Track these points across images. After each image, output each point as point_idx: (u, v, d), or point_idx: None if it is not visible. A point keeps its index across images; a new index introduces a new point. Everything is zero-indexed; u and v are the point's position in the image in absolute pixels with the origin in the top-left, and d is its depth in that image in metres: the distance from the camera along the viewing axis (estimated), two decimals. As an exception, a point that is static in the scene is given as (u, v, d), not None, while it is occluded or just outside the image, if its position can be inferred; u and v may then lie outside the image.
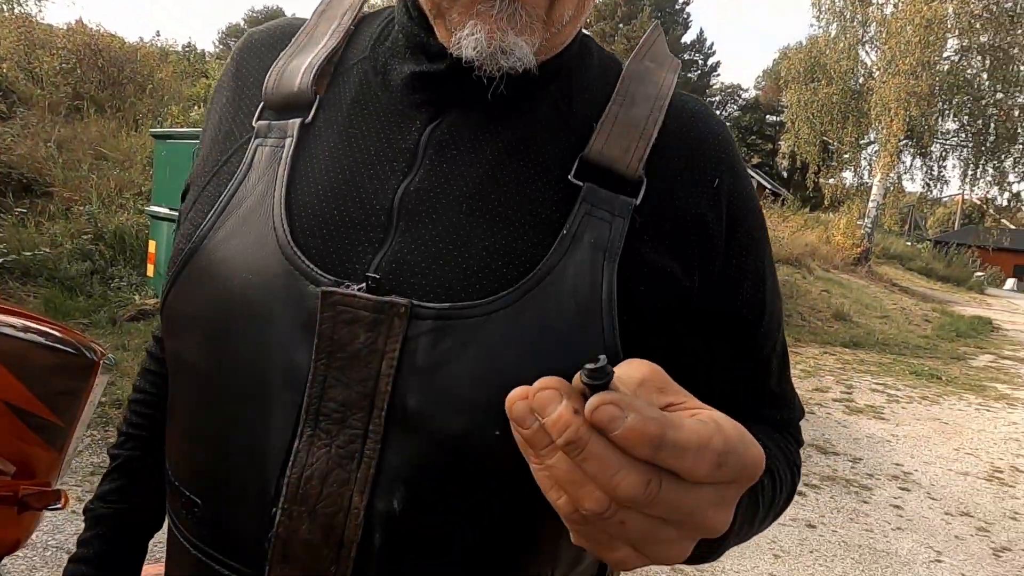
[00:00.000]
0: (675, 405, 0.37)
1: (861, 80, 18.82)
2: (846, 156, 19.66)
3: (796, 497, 3.88)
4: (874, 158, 18.79)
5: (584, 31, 0.60)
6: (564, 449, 0.33)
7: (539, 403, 0.33)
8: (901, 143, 17.84)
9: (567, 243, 0.50)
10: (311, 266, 0.49)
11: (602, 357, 0.33)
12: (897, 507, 3.94)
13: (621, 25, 34.53)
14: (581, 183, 0.52)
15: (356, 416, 0.47)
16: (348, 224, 0.51)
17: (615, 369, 0.36)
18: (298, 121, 0.55)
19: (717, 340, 0.57)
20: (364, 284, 0.48)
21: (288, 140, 0.55)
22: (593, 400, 0.32)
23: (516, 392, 0.35)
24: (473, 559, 0.50)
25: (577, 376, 0.34)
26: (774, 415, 0.62)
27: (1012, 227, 35.52)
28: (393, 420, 0.47)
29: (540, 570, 0.53)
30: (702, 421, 0.34)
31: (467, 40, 0.49)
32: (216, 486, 0.52)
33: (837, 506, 3.84)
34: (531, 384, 0.47)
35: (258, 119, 0.58)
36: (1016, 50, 17.25)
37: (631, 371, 0.37)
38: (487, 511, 0.49)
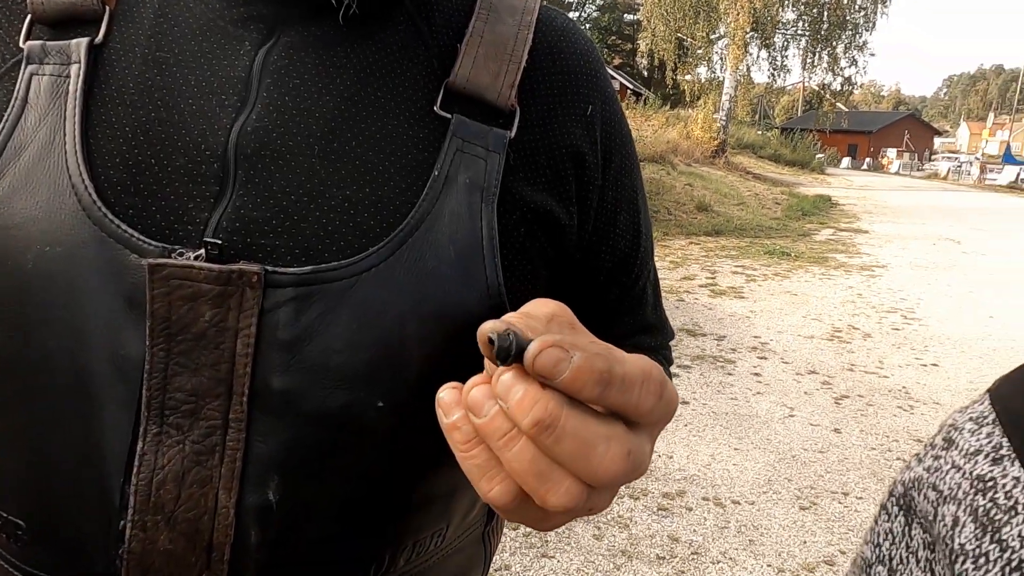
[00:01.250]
0: None
1: (709, -26, 19.24)
2: (699, 52, 20.35)
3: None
4: (725, 52, 19.59)
5: None
6: (532, 432, 0.28)
7: (502, 387, 0.28)
8: (748, 35, 18.66)
9: (440, 185, 0.45)
10: (129, 231, 0.41)
11: (492, 332, 0.29)
12: (757, 374, 4.38)
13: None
14: (449, 115, 0.46)
15: (212, 405, 0.41)
16: (171, 175, 0.42)
17: (524, 308, 0.32)
18: (85, 41, 0.44)
19: (596, 273, 0.55)
20: (203, 251, 0.41)
21: (75, 67, 0.44)
22: (534, 346, 0.28)
23: (475, 379, 0.31)
24: (363, 534, 0.46)
25: (486, 358, 0.30)
26: (650, 342, 0.62)
27: (846, 109, 38.84)
28: (257, 404, 0.42)
29: (435, 528, 0.51)
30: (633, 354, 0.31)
31: None
32: (41, 502, 0.44)
33: (706, 381, 4.22)
34: (416, 344, 0.43)
35: (26, 38, 0.45)
36: (844, -62, 18.22)
37: (538, 309, 0.33)
38: (373, 485, 0.46)
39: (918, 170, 37.03)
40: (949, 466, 0.37)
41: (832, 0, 19.01)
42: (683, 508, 2.80)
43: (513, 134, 0.48)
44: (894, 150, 42.05)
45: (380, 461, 0.45)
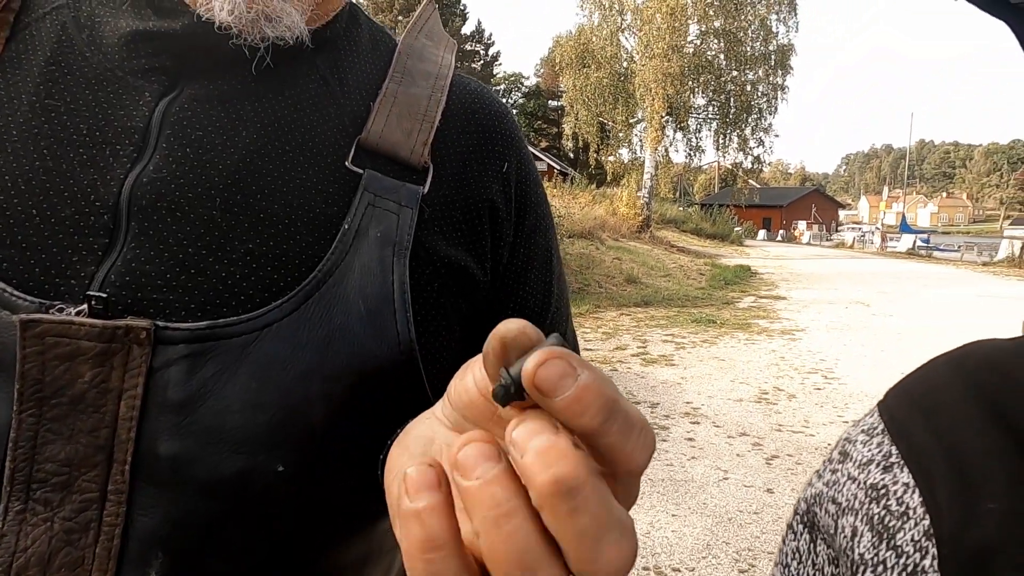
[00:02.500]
0: None
1: (625, 64, 20.68)
2: (620, 134, 21.55)
3: (607, 448, 4.22)
4: (644, 134, 20.81)
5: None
6: (549, 490, 0.21)
7: (525, 432, 0.22)
8: (664, 119, 19.95)
9: (350, 239, 0.43)
10: (2, 286, 0.38)
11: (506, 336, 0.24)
12: (690, 439, 4.44)
13: (400, 17, 34.37)
14: (360, 170, 0.46)
15: (88, 476, 0.38)
16: (55, 227, 0.40)
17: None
18: None
19: None
20: (86, 306, 0.38)
21: None
22: (535, 357, 0.22)
23: (471, 435, 0.23)
24: None
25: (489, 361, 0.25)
26: None
27: (758, 186, 41.52)
28: (141, 473, 0.38)
29: None
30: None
31: (220, 2, 0.42)
32: None
33: (642, 449, 4.24)
34: (321, 404, 0.40)
35: None
36: (742, 34, 20.04)
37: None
38: (273, 559, 0.42)
39: (827, 240, 39.61)
40: (846, 478, 0.38)
41: (736, 87, 20.66)
42: (625, 580, 2.75)
43: (426, 190, 0.47)
44: (804, 222, 45.00)
45: (281, 532, 0.42)
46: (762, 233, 39.81)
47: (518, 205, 0.54)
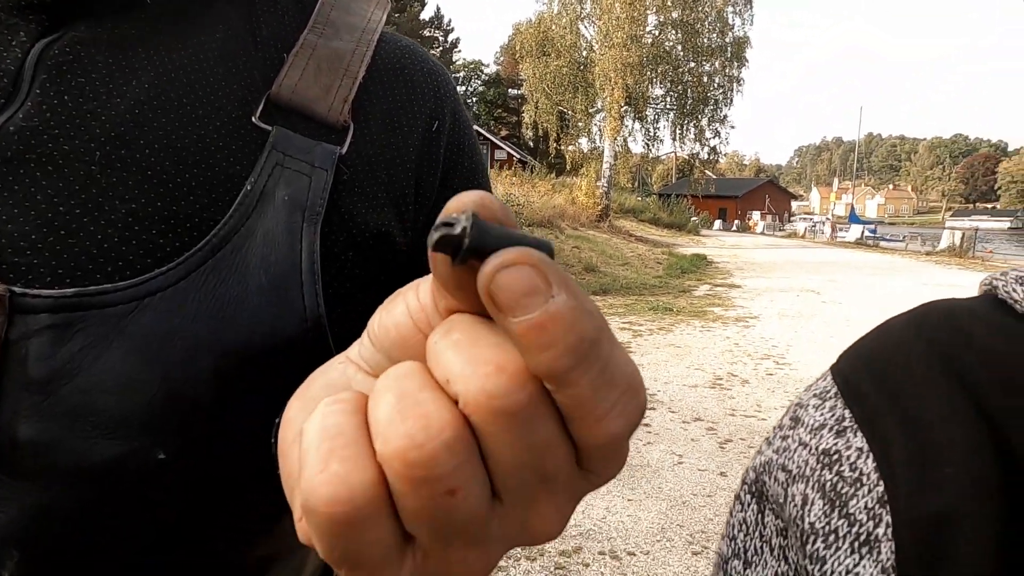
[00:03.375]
0: None
1: (585, 53, 20.72)
2: (580, 124, 21.63)
3: (564, 434, 4.25)
4: (603, 124, 20.93)
5: None
6: (488, 416, 0.18)
7: (453, 364, 0.18)
8: (623, 109, 20.09)
9: (252, 201, 0.39)
10: None
11: (457, 216, 0.18)
12: (647, 424, 4.48)
13: None
14: (269, 127, 0.42)
15: None
16: None
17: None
18: None
19: None
20: None
21: None
22: (502, 256, 0.17)
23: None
24: None
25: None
26: None
27: (714, 176, 42.28)
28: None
29: None
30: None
31: None
32: None
33: (599, 435, 4.27)
34: (211, 382, 0.37)
35: None
36: (699, 25, 20.27)
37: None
38: (152, 559, 0.38)
39: (780, 230, 40.66)
40: (796, 444, 0.36)
41: (693, 79, 20.91)
42: (580, 565, 2.75)
43: (345, 150, 0.44)
44: (758, 212, 46.02)
45: (161, 529, 0.37)
46: (718, 223, 40.59)
47: (446, 165, 0.50)
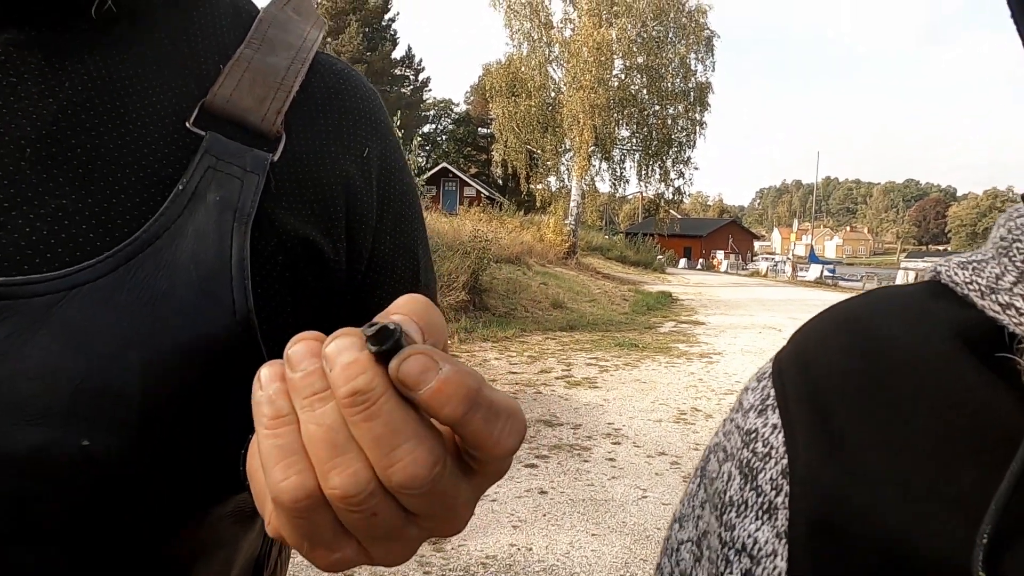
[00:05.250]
0: None
1: (553, 94, 21.19)
2: (549, 163, 21.98)
3: (530, 469, 4.22)
4: (571, 163, 21.31)
5: None
6: (348, 399, 0.24)
7: (335, 347, 0.25)
8: (590, 149, 20.51)
9: (184, 201, 0.41)
10: None
11: (381, 322, 0.26)
12: (611, 459, 4.49)
13: (329, 39, 34.06)
14: (203, 132, 0.43)
15: None
16: None
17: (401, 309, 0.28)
18: None
19: (370, 317, 0.51)
20: None
21: None
22: (402, 353, 0.24)
23: (302, 334, 0.27)
24: None
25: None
26: None
27: (679, 216, 43.19)
28: None
29: None
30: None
31: None
32: None
33: (563, 470, 4.25)
34: (138, 374, 0.37)
35: None
36: (664, 70, 20.96)
37: (411, 307, 0.28)
38: (75, 550, 0.38)
39: (743, 269, 41.52)
40: (733, 426, 0.38)
41: (658, 121, 21.52)
42: (543, 601, 2.72)
43: (276, 158, 0.45)
44: (722, 251, 47.02)
45: (85, 519, 0.38)
46: (683, 261, 41.30)
47: (380, 192, 0.52)
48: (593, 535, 3.35)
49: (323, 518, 0.26)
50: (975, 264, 0.33)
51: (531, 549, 3.18)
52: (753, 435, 0.36)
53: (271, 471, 0.25)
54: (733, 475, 0.36)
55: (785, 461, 0.33)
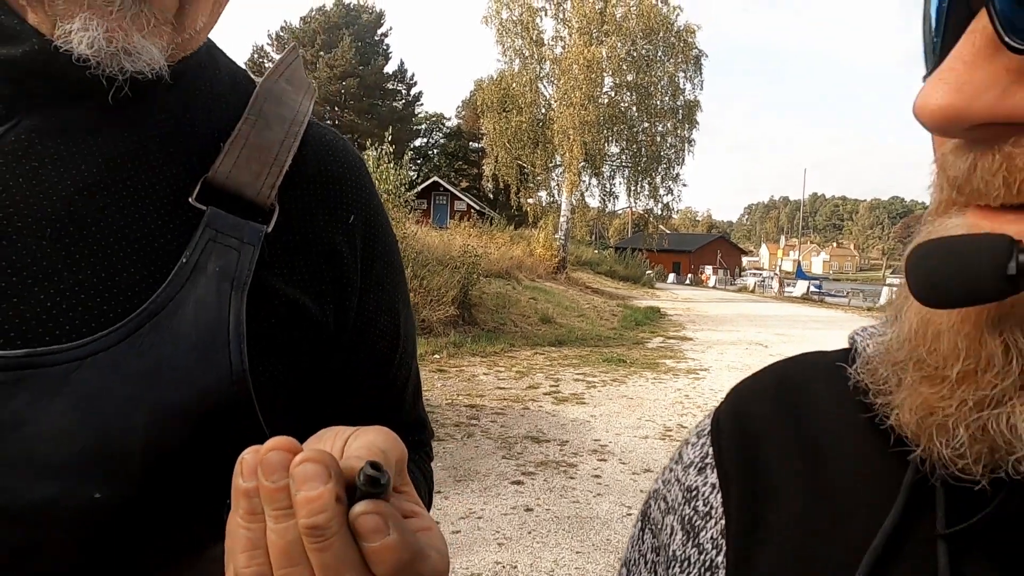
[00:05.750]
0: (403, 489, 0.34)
1: (544, 110, 21.36)
2: (539, 178, 22.11)
3: (516, 486, 4.24)
4: (561, 179, 21.45)
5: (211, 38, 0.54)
6: (306, 529, 0.27)
7: (303, 473, 0.27)
8: (581, 165, 20.66)
9: (187, 273, 0.45)
10: None
11: (380, 469, 0.29)
12: (597, 476, 4.52)
13: (322, 53, 34.22)
14: (204, 207, 0.47)
15: None
16: None
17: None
18: None
19: (355, 371, 0.56)
20: None
21: None
22: (364, 505, 0.28)
23: (278, 441, 0.29)
24: None
25: (353, 469, 0.30)
26: (410, 437, 0.61)
27: (668, 232, 43.48)
28: None
29: None
30: (439, 552, 0.32)
31: (79, 35, 0.42)
32: None
33: (550, 487, 4.28)
34: (143, 432, 0.41)
35: None
36: (653, 88, 21.21)
37: (379, 441, 0.32)
38: None
39: (731, 284, 41.74)
40: (673, 478, 0.41)
41: (647, 138, 21.74)
42: (527, 618, 2.74)
43: (270, 229, 0.49)
44: (710, 267, 47.31)
45: (91, 561, 0.41)
46: (672, 276, 41.54)
47: (364, 255, 0.56)
48: (578, 552, 3.38)
49: None
50: (876, 332, 0.36)
51: (516, 567, 3.20)
52: (694, 493, 0.38)
53: (237, 556, 0.29)
54: (676, 530, 0.38)
55: (724, 522, 0.36)
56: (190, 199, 0.47)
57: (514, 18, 20.96)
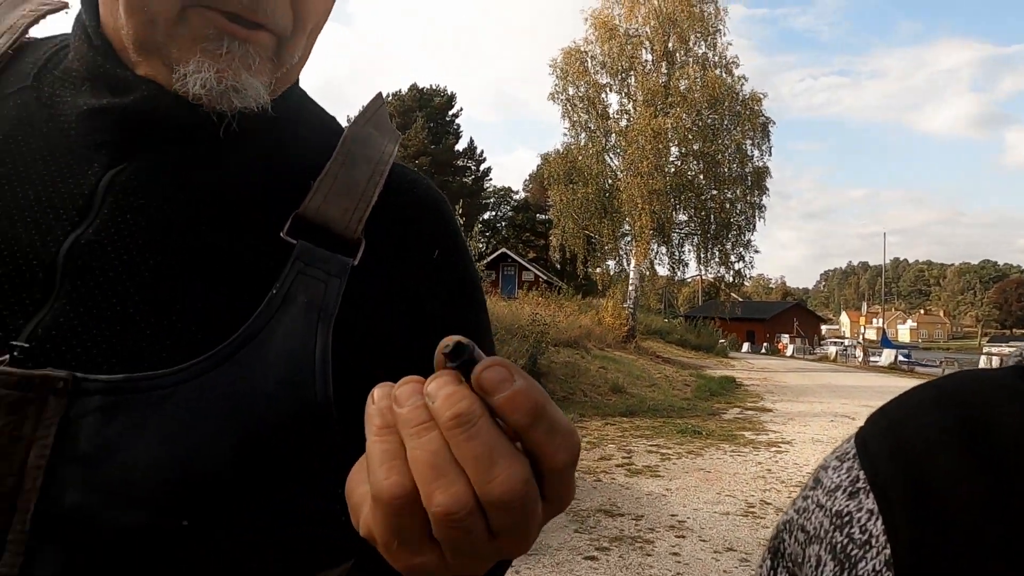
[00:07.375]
0: None
1: (610, 181, 21.65)
2: (607, 247, 22.19)
3: (589, 562, 4.08)
4: (629, 247, 21.46)
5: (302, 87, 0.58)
6: (452, 422, 0.28)
7: (436, 383, 0.30)
8: (650, 233, 20.65)
9: (277, 303, 0.46)
10: None
11: (455, 339, 0.30)
12: (676, 554, 4.30)
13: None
14: (294, 241, 0.48)
15: None
16: None
17: None
18: None
19: None
20: (7, 356, 0.39)
21: None
22: (484, 362, 0.29)
23: (405, 379, 0.31)
24: None
25: (439, 361, 0.31)
26: None
27: (740, 299, 42.40)
28: (44, 523, 0.38)
29: None
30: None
31: (193, 78, 0.45)
32: None
33: (625, 564, 4.09)
34: (230, 461, 0.42)
35: None
36: (720, 156, 21.21)
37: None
38: None
39: (810, 353, 39.90)
40: (815, 505, 0.37)
41: (716, 205, 21.59)
42: None
43: (356, 262, 0.50)
44: (787, 335, 45.52)
45: None
46: (746, 345, 40.21)
47: (447, 289, 0.57)
48: (658, 635, 3.19)
49: (415, 521, 0.29)
50: None
51: (593, 648, 3.04)
52: (847, 519, 0.35)
53: (375, 471, 0.30)
54: (824, 560, 0.35)
55: (888, 551, 0.33)
56: (282, 233, 0.48)
57: (580, 94, 21.66)
